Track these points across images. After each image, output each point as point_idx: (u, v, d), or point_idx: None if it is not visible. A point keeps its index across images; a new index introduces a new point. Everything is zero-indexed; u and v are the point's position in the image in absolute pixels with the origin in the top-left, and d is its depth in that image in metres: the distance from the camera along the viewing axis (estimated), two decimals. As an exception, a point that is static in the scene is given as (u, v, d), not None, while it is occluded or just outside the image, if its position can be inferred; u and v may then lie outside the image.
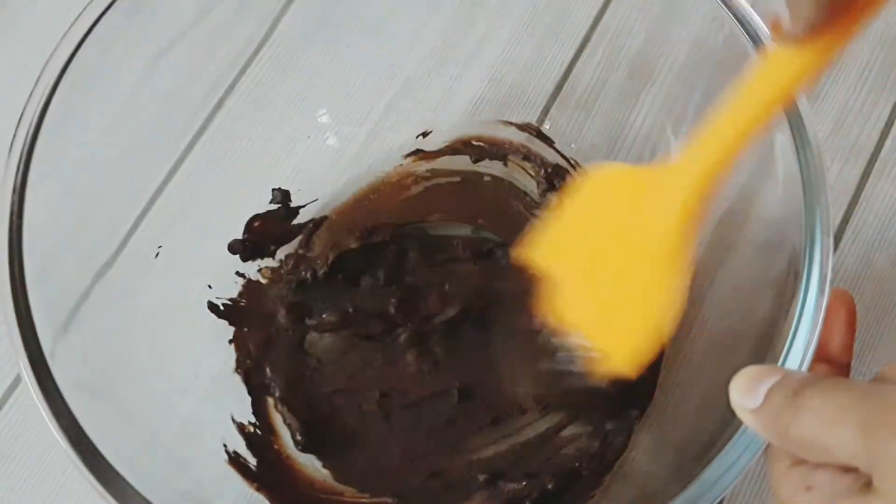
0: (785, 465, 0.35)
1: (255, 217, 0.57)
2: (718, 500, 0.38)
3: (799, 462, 0.35)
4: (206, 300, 0.54)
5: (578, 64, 0.60)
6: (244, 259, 0.56)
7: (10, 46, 0.63)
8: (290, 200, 0.58)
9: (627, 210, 0.42)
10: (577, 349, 0.44)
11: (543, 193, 0.58)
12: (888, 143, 0.60)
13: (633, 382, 0.48)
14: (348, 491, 0.53)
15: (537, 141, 0.58)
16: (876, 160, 0.59)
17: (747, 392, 0.35)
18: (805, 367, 0.38)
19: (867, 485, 0.32)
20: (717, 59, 0.48)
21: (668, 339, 0.42)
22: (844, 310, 0.40)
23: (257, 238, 0.57)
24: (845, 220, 0.58)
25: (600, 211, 0.44)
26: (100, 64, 0.46)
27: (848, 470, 0.33)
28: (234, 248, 0.56)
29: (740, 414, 0.36)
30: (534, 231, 0.46)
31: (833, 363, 0.40)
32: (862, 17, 0.33)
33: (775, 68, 0.36)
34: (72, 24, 0.45)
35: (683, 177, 0.39)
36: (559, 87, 0.60)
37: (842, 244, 0.58)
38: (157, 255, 0.52)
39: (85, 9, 0.45)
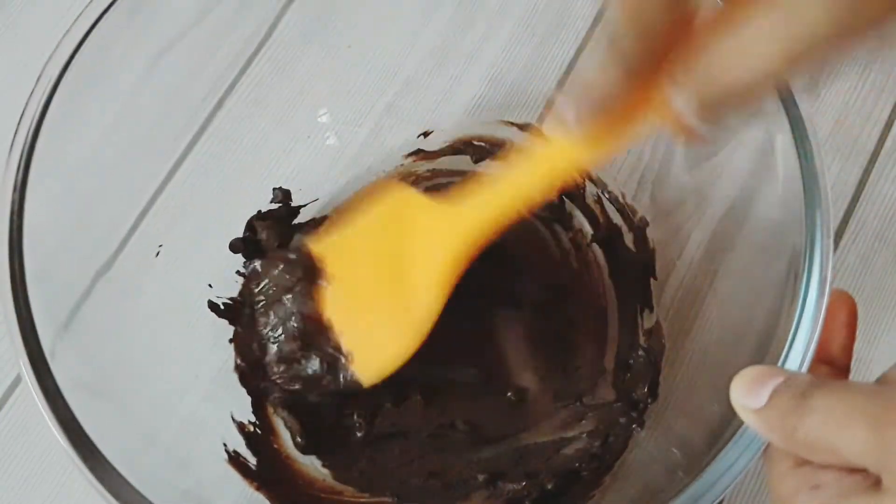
0: (786, 466, 0.35)
1: (256, 216, 0.57)
2: (718, 500, 0.38)
3: (802, 463, 0.35)
4: (207, 299, 0.54)
5: (578, 64, 0.60)
6: (246, 257, 0.56)
7: (10, 46, 0.63)
8: (291, 200, 0.58)
9: (408, 233, 0.47)
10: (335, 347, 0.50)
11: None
12: (888, 142, 0.60)
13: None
14: (348, 490, 0.53)
15: (539, 141, 0.58)
16: (876, 160, 0.59)
17: (749, 392, 0.35)
18: (805, 368, 0.38)
19: (875, 484, 0.32)
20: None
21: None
22: (845, 311, 0.40)
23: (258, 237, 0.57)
24: (845, 220, 0.58)
25: (386, 227, 0.49)
26: (100, 63, 0.46)
27: (853, 471, 0.33)
28: (235, 246, 0.56)
29: (742, 414, 0.36)
30: (329, 228, 0.52)
31: (833, 365, 0.40)
32: (634, 125, 0.36)
33: (558, 151, 0.40)
34: (73, 24, 0.45)
35: (460, 221, 0.44)
36: (559, 88, 0.60)
37: (842, 244, 0.58)
38: (157, 254, 0.52)
39: (86, 8, 0.45)
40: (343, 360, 0.50)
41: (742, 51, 0.31)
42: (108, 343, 0.47)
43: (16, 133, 0.43)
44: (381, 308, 0.49)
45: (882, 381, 0.36)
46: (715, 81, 0.32)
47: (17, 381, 0.55)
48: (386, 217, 0.49)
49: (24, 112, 0.43)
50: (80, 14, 0.45)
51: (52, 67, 0.44)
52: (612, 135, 0.37)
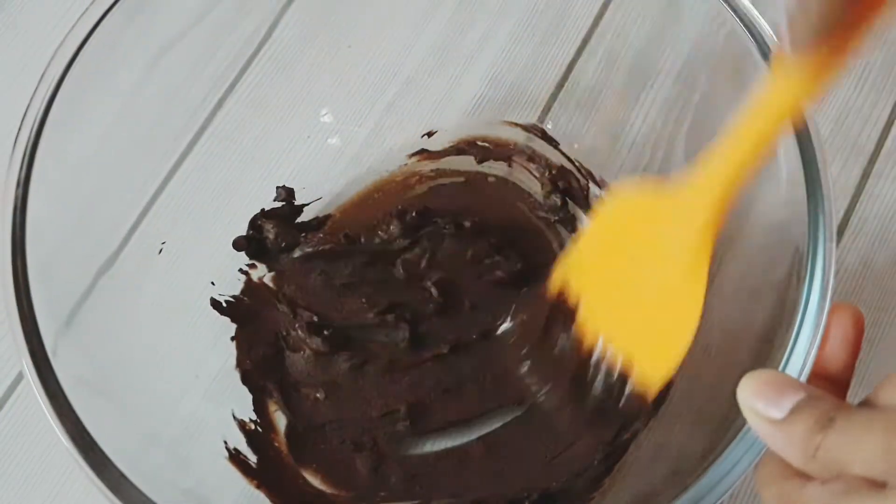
0: (780, 475, 0.35)
1: (260, 214, 0.57)
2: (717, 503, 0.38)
3: (798, 472, 0.34)
4: (208, 297, 0.54)
5: (579, 64, 0.60)
6: (250, 256, 0.56)
7: (10, 46, 0.63)
8: (295, 198, 0.58)
9: (650, 228, 0.43)
10: (610, 364, 0.47)
11: (548, 195, 0.57)
12: (888, 142, 0.60)
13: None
14: (348, 489, 0.53)
15: (542, 142, 0.58)
16: (876, 160, 0.59)
17: (764, 399, 0.34)
18: (806, 372, 0.38)
19: (881, 486, 0.31)
20: (718, 58, 0.48)
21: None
22: (853, 328, 0.39)
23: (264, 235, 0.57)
24: (845, 220, 0.58)
25: (624, 230, 0.45)
26: (103, 62, 0.46)
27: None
28: (239, 245, 0.56)
29: (752, 418, 0.35)
30: (563, 253, 0.49)
31: (833, 381, 0.39)
32: (865, 26, 0.33)
33: (783, 82, 0.36)
34: (76, 23, 0.45)
35: (702, 195, 0.40)
36: (559, 87, 0.60)
37: (842, 244, 0.57)
38: (160, 251, 0.52)
39: (88, 8, 0.45)
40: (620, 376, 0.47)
41: None
42: (109, 341, 0.47)
43: (19, 130, 0.43)
44: (649, 310, 0.45)
45: (865, 403, 0.35)
46: None
47: (17, 381, 0.55)
48: (617, 219, 0.46)
49: (27, 110, 0.43)
50: (83, 13, 0.45)
51: (55, 66, 0.44)
52: (839, 54, 0.33)
